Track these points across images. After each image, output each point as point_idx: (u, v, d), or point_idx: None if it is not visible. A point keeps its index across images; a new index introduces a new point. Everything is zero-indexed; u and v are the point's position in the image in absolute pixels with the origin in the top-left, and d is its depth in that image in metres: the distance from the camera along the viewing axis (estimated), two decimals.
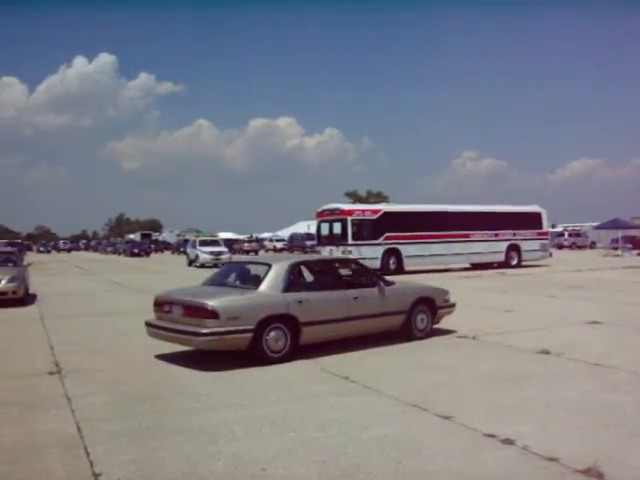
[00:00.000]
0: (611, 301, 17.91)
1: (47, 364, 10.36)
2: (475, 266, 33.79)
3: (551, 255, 36.09)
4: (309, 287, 11.03)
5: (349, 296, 11.04)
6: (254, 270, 11.20)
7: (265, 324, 9.80)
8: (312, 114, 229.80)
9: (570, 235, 72.75)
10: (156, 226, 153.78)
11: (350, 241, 30.39)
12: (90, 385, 8.89)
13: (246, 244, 73.09)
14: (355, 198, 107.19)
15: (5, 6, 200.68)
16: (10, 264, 21.46)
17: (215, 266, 41.30)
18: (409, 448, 5.98)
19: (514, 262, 34.87)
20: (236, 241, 79.66)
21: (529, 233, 35.90)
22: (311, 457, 5.81)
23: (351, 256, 27.21)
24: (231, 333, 9.56)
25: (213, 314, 9.47)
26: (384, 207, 33.98)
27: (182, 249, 64.52)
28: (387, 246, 31.04)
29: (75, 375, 9.51)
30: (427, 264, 31.92)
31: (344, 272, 12.24)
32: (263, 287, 10.26)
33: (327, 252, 31.13)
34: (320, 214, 33.53)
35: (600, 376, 8.89)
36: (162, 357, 10.79)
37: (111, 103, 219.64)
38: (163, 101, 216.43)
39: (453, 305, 12.89)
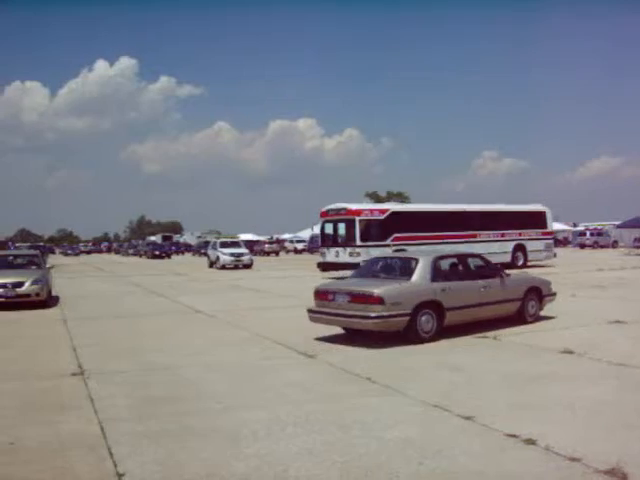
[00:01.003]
0: (634, 300, 17.77)
1: (70, 365, 10.46)
2: None
3: (555, 255, 34.97)
4: (449, 277, 12.64)
5: (480, 285, 12.77)
6: (402, 263, 13.12)
7: (419, 309, 11.56)
8: (332, 115, 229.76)
9: (592, 234, 72.08)
10: (177, 228, 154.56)
11: (358, 242, 28.84)
12: (113, 386, 8.97)
13: (267, 245, 73.18)
14: (375, 199, 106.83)
15: (27, 12, 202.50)
16: (33, 267, 21.67)
17: (236, 267, 41.49)
18: (431, 448, 5.98)
19: (520, 263, 33.60)
20: (257, 242, 79.80)
21: (534, 233, 34.85)
22: (333, 457, 5.82)
23: (359, 259, 26.89)
24: (393, 317, 11.33)
25: (380, 300, 11.23)
26: (392, 206, 32.79)
27: (203, 251, 64.58)
28: (395, 248, 28.75)
29: (98, 376, 9.59)
30: None
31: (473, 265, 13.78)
32: (415, 277, 12.04)
33: (332, 254, 30.13)
34: (324, 214, 31.71)
35: (623, 376, 8.83)
36: (184, 360, 10.88)
37: (132, 106, 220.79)
38: (183, 104, 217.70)
39: (554, 294, 14.59)
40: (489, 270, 13.63)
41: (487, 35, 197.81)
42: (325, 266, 30.35)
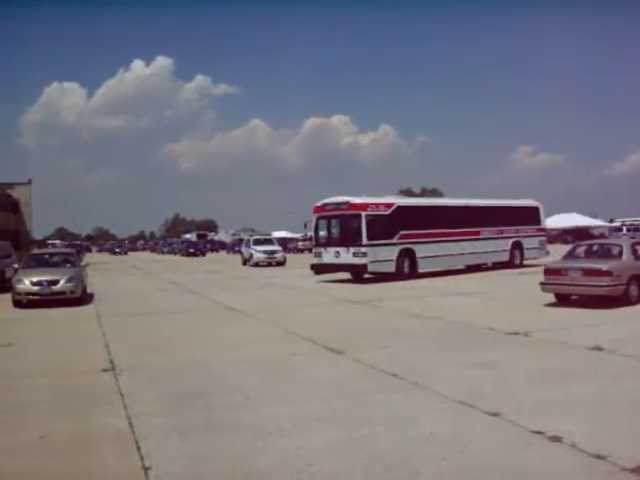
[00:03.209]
0: None
1: (102, 361, 10.61)
2: (472, 267, 30.13)
3: (548, 253, 32.91)
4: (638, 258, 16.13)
5: None
6: (608, 247, 17.64)
7: (630, 280, 15.31)
8: (366, 111, 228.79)
9: (629, 230, 71.01)
10: (212, 226, 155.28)
11: (365, 241, 24.99)
12: (142, 382, 9.09)
13: (300, 243, 73.14)
14: (410, 195, 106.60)
15: (65, 14, 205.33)
16: (68, 265, 21.99)
17: (269, 265, 41.61)
18: (455, 445, 5.97)
19: (517, 261, 31.66)
20: (291, 240, 79.87)
21: (529, 230, 32.73)
22: (357, 453, 5.85)
23: (364, 259, 24.83)
24: (616, 286, 15.05)
25: (608, 273, 14.99)
26: (397, 200, 28.81)
27: (237, 248, 64.87)
28: (402, 246, 26.23)
29: (128, 372, 9.73)
30: (440, 265, 28.23)
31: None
32: (624, 257, 15.84)
33: (331, 254, 26.39)
34: (319, 209, 27.56)
35: None
36: (214, 356, 11.00)
37: (168, 105, 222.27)
38: (219, 102, 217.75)
39: None
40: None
41: (521, 30, 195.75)
42: (320, 268, 27.34)
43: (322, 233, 27.96)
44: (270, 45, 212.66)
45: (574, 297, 16.32)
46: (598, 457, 5.49)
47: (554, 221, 76.94)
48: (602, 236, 67.72)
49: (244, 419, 7.07)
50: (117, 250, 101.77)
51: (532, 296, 17.57)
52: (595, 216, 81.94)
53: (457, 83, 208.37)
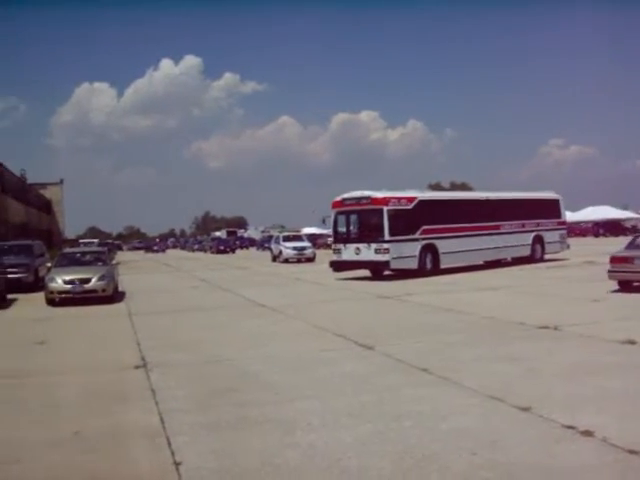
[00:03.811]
0: None
1: (134, 358, 10.73)
2: (492, 263, 28.97)
3: (569, 247, 32.76)
4: None
5: None
6: None
7: None
8: (395, 107, 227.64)
9: None
10: (241, 223, 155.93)
11: (387, 237, 24.20)
12: (173, 378, 9.17)
13: (330, 239, 73.10)
14: (439, 190, 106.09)
15: (95, 15, 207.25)
16: (100, 263, 22.27)
17: (298, 261, 41.66)
18: (485, 440, 5.93)
19: (538, 255, 30.77)
20: (320, 236, 79.86)
21: (550, 223, 31.81)
22: (386, 448, 5.84)
23: (387, 256, 24.09)
24: None
25: None
26: (418, 194, 27.25)
27: (267, 245, 65.03)
28: (424, 242, 25.47)
29: (159, 369, 9.82)
30: (462, 261, 27.43)
31: None
32: None
33: (351, 251, 25.56)
34: (338, 204, 26.59)
35: None
36: (245, 352, 11.07)
37: (196, 104, 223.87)
38: (247, 100, 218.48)
39: None
40: None
41: (550, 21, 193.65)
42: (340, 265, 26.41)
43: (341, 229, 27.12)
44: (298, 42, 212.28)
45: (635, 284, 16.94)
46: (631, 452, 5.42)
47: (586, 214, 76.21)
48: (634, 229, 66.90)
49: (273, 414, 7.10)
50: (155, 248, 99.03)
51: (562, 290, 17.51)
52: (625, 208, 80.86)
53: (486, 76, 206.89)
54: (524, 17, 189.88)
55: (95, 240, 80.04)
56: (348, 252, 25.69)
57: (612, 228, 67.23)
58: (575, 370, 8.59)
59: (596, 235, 68.60)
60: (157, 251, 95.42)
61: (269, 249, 51.33)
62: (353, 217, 26.47)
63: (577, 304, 15.35)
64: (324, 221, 29.35)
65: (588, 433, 5.94)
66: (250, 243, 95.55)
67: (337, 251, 26.50)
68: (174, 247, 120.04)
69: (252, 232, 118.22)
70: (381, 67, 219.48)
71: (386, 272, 25.56)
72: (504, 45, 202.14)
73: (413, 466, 5.40)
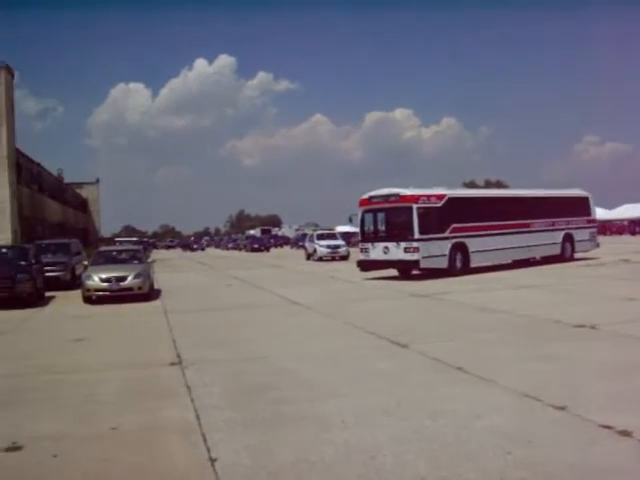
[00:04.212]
0: None
1: (169, 355, 10.84)
2: (521, 262, 28.47)
3: (599, 245, 32.17)
4: None
5: None
6: None
7: None
8: (429, 104, 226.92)
9: None
10: (276, 221, 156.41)
11: (417, 235, 23.64)
12: (209, 375, 9.23)
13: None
14: (473, 188, 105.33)
15: (131, 16, 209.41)
16: (135, 261, 22.53)
17: (332, 259, 41.68)
18: (520, 439, 5.88)
19: (568, 254, 30.18)
20: (354, 234, 79.67)
21: (579, 221, 31.23)
22: (421, 446, 5.82)
23: (416, 255, 23.51)
24: None
25: None
26: (448, 192, 26.47)
27: (301, 243, 65.11)
28: (454, 240, 24.86)
29: (195, 366, 9.89)
30: (491, 260, 27.01)
31: None
32: None
33: (379, 250, 24.88)
34: (366, 202, 26.01)
35: None
36: (279, 350, 11.12)
37: (230, 103, 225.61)
38: (280, 98, 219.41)
39: None
40: None
41: (585, 18, 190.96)
42: (367, 265, 25.82)
43: (369, 227, 26.42)
44: (330, 41, 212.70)
45: None
46: None
47: (622, 212, 75.21)
48: None
49: (308, 412, 7.11)
50: (195, 247, 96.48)
51: (597, 288, 17.26)
52: None
53: (521, 74, 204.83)
54: (554, 18, 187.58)
55: (134, 238, 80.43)
56: (376, 251, 25.14)
57: None
58: (612, 369, 8.47)
59: (633, 233, 67.64)
60: (196, 249, 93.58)
61: (303, 247, 51.43)
62: (381, 215, 25.80)
63: (613, 303, 15.12)
64: (351, 219, 28.80)
65: (625, 433, 5.85)
66: (284, 241, 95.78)
67: (364, 250, 25.94)
68: (208, 245, 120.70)
69: (286, 230, 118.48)
70: (416, 65, 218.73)
71: (414, 272, 25.25)
72: (542, 46, 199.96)
73: (448, 464, 5.37)
